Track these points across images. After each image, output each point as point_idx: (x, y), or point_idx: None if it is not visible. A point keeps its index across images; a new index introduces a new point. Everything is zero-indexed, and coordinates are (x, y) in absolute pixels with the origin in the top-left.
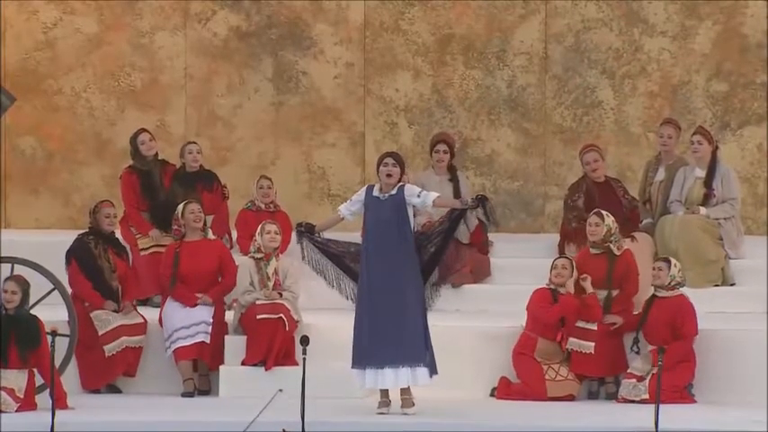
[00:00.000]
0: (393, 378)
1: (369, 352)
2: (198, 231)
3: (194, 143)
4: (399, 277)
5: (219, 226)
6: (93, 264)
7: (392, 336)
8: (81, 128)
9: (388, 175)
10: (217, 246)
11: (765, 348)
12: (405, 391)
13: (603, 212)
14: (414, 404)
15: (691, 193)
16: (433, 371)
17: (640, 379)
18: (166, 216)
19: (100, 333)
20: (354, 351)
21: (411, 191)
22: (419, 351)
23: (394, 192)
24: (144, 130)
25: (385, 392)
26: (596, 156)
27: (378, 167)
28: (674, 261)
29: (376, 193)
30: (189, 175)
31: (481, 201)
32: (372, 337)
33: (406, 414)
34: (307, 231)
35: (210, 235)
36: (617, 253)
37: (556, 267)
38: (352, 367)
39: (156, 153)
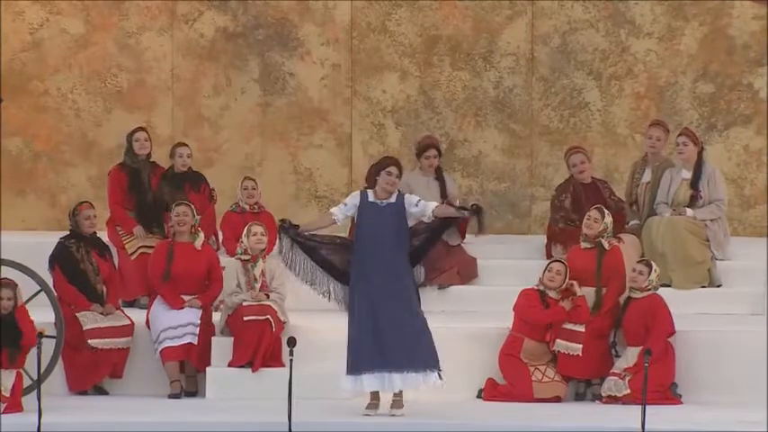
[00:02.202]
0: (400, 382)
1: (373, 357)
2: (186, 234)
3: (186, 145)
4: (400, 283)
5: (206, 227)
6: (76, 268)
7: (399, 341)
8: (67, 129)
9: (392, 185)
10: (207, 250)
11: (751, 349)
12: (397, 393)
13: (605, 210)
14: (403, 406)
15: (677, 194)
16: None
17: (622, 377)
18: (153, 217)
19: (85, 329)
20: (354, 357)
21: (410, 200)
22: (433, 355)
23: (393, 199)
24: (142, 129)
25: (375, 394)
26: (583, 157)
27: (378, 171)
28: (654, 266)
29: (372, 198)
30: (177, 175)
31: (476, 212)
32: (377, 342)
33: (394, 415)
34: (291, 228)
35: (198, 243)
36: (606, 248)
37: (550, 270)
38: (349, 374)
39: (149, 154)
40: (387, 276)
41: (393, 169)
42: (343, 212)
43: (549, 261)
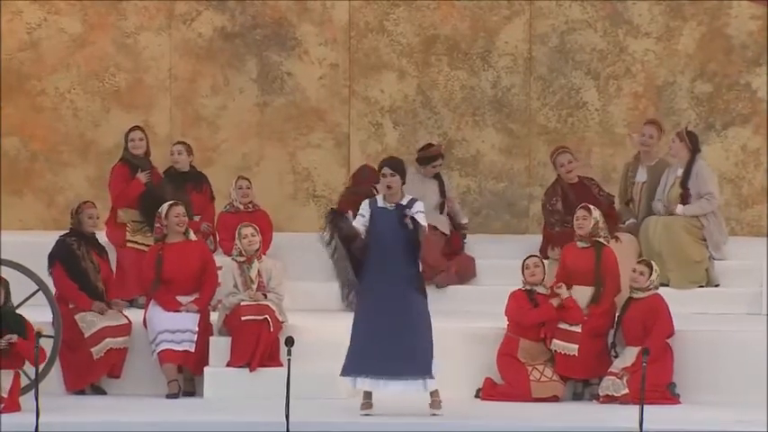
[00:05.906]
0: (401, 389)
1: (369, 361)
2: (180, 234)
3: (180, 143)
4: (410, 288)
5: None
6: (78, 265)
7: (403, 348)
8: (65, 128)
9: (389, 187)
10: (199, 246)
11: (748, 349)
12: (434, 393)
13: (590, 206)
14: (440, 406)
15: (670, 192)
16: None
17: (620, 376)
18: (155, 214)
19: (86, 335)
20: (350, 360)
21: (418, 208)
22: (429, 363)
23: (404, 202)
24: (137, 128)
25: (368, 394)
26: (570, 157)
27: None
28: (655, 266)
29: (381, 203)
30: (180, 174)
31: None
32: (377, 347)
33: (434, 415)
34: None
35: (192, 236)
36: (605, 243)
37: (528, 267)
38: (347, 375)
39: (147, 152)
40: (396, 281)
41: (385, 170)
42: (362, 224)
43: (524, 259)
